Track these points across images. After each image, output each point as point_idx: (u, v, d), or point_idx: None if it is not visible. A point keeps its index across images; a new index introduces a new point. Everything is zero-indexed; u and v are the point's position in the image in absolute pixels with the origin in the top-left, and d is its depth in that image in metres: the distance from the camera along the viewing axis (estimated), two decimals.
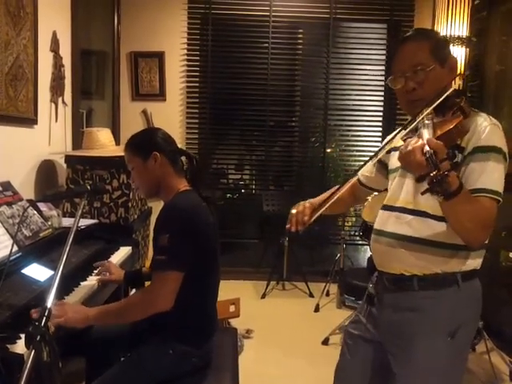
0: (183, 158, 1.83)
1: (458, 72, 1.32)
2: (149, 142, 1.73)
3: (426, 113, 1.20)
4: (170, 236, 1.54)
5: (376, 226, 1.44)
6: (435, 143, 1.06)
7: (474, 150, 1.22)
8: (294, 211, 1.45)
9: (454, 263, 1.29)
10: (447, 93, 1.21)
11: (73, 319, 1.50)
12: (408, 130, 1.23)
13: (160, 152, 1.70)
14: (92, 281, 1.91)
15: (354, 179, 1.42)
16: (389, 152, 1.42)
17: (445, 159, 1.05)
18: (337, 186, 1.39)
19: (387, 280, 1.39)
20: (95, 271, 1.99)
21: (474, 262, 1.32)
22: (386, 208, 1.42)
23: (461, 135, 1.21)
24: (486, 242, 1.28)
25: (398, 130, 1.29)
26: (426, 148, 1.04)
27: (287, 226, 1.44)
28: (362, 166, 1.35)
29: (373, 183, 1.60)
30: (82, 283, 1.87)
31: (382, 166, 1.53)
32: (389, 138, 1.37)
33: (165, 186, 1.72)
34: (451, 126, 1.16)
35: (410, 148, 1.09)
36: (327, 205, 1.36)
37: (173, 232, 1.55)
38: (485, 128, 1.23)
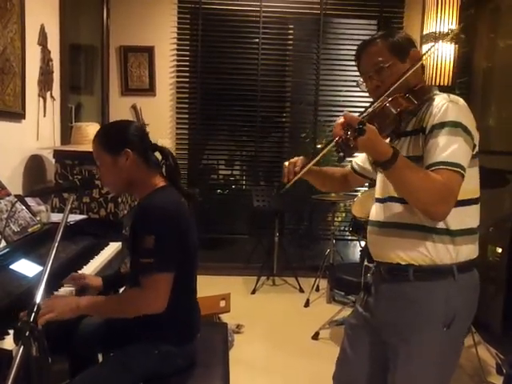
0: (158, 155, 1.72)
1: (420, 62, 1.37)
2: (120, 137, 1.63)
3: (380, 99, 1.31)
4: (156, 237, 1.49)
5: (370, 217, 1.48)
6: (349, 116, 1.17)
7: (431, 128, 1.27)
8: (286, 163, 1.49)
9: (445, 249, 1.30)
10: (401, 79, 1.30)
11: (63, 311, 1.48)
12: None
13: (132, 149, 1.60)
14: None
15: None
16: None
17: (354, 129, 1.13)
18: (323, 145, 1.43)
19: (384, 270, 1.41)
20: (65, 285, 1.80)
21: (467, 249, 1.33)
22: (378, 200, 1.46)
23: (398, 107, 1.29)
24: (471, 226, 1.31)
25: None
26: (346, 123, 1.16)
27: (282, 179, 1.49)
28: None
29: (364, 171, 1.67)
30: None
31: None
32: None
33: (138, 182, 1.64)
34: (381, 105, 1.28)
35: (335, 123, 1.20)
36: (317, 158, 1.42)
37: (158, 233, 1.50)
38: (441, 107, 1.27)
